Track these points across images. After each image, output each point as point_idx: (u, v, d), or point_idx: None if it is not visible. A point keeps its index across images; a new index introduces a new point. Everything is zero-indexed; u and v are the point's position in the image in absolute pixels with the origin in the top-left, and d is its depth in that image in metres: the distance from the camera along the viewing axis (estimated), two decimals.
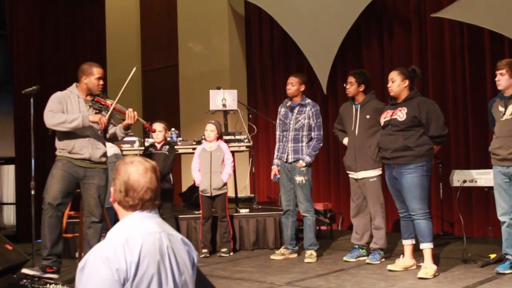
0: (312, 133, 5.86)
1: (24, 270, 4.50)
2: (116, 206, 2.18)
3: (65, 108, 4.72)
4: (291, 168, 5.86)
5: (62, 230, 4.92)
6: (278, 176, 6.00)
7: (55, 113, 4.63)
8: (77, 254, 5.86)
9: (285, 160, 5.90)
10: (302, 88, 5.91)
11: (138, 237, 2.05)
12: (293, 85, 5.89)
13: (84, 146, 4.72)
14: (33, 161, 4.96)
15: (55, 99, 4.75)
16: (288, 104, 5.99)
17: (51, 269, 4.57)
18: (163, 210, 6.12)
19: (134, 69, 4.92)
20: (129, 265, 1.98)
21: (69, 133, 4.69)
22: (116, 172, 2.18)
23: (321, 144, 5.95)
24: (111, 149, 6.09)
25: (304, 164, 5.77)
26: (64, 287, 4.30)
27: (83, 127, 4.64)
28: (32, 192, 4.90)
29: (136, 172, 2.15)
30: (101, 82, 4.85)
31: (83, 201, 4.86)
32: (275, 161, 6.04)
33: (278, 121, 6.08)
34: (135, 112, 4.84)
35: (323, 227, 7.51)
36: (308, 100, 5.95)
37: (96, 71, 4.82)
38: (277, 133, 6.07)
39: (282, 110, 6.05)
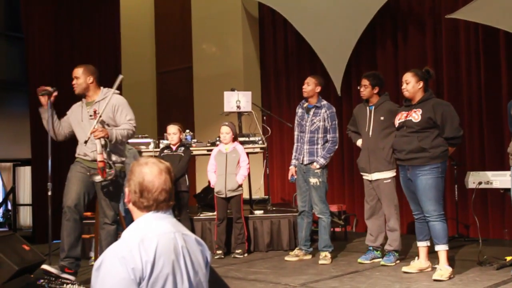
0: (328, 135, 5.85)
1: (44, 266, 4.55)
2: (130, 206, 2.21)
3: (69, 116, 4.89)
4: (306, 170, 5.86)
5: (82, 233, 4.94)
6: (295, 176, 6.00)
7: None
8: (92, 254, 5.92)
9: (301, 162, 5.90)
10: (318, 89, 5.89)
11: (153, 237, 2.07)
12: (308, 84, 5.88)
13: (94, 150, 4.74)
14: (49, 162, 4.98)
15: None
16: (305, 105, 5.99)
17: (69, 270, 4.62)
18: (179, 212, 6.15)
19: (121, 76, 4.89)
20: (144, 265, 2.00)
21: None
22: (130, 173, 2.20)
23: (336, 147, 5.93)
24: (130, 151, 6.13)
25: (318, 166, 5.76)
26: (80, 287, 4.34)
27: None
28: (49, 193, 4.93)
29: (151, 173, 2.17)
30: (73, 81, 4.82)
31: (98, 203, 4.90)
32: (293, 161, 6.03)
33: (296, 121, 6.08)
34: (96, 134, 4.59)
35: (337, 229, 7.50)
36: (324, 102, 5.94)
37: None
38: (295, 133, 6.06)
39: (299, 111, 6.05)
